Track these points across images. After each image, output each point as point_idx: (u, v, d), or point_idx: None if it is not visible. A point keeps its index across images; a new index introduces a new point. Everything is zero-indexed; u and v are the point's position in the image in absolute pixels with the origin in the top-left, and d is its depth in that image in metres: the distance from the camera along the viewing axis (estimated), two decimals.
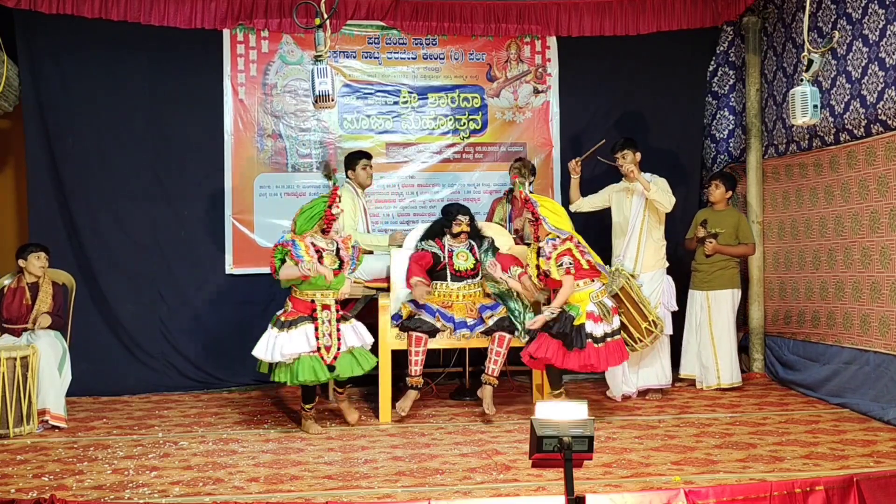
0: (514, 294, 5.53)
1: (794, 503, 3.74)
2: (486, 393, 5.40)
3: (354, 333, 5.09)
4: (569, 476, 2.82)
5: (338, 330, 5.01)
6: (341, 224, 5.18)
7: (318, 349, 4.93)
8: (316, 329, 4.94)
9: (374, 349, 5.27)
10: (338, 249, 5.11)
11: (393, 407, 5.33)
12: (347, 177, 6.22)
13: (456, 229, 5.54)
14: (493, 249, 5.60)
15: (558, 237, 5.17)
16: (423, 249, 5.56)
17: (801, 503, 3.75)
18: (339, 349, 4.99)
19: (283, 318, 4.97)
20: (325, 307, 5.03)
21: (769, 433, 4.89)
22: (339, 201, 5.07)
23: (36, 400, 5.10)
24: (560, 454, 2.82)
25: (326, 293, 5.04)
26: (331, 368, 4.94)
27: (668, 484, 3.85)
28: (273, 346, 4.89)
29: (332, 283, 5.00)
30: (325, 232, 5.06)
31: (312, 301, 5.01)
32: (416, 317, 5.33)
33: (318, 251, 5.00)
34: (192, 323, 6.60)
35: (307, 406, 5.13)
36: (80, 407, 5.81)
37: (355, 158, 6.24)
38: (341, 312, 5.13)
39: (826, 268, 6.05)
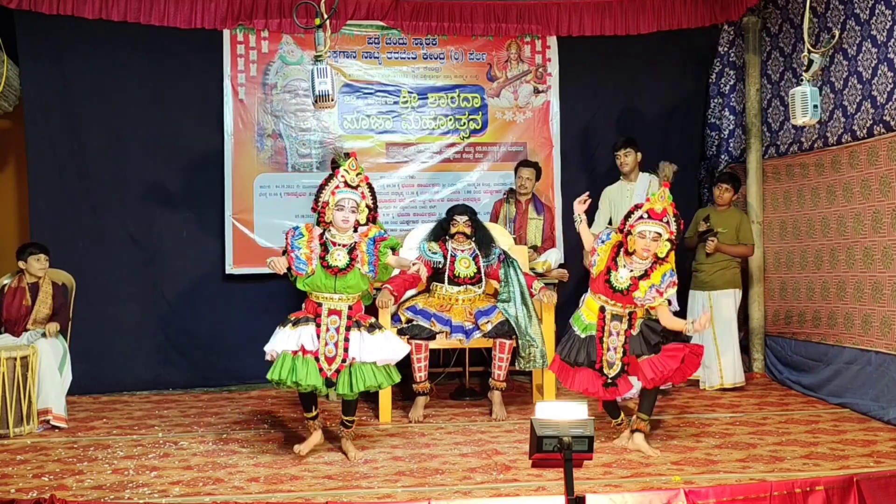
0: (529, 310, 5.42)
1: (794, 503, 3.74)
2: (495, 398, 5.41)
3: (365, 345, 4.40)
4: (569, 476, 2.82)
5: (346, 340, 4.39)
6: (351, 217, 4.41)
7: (318, 357, 4.35)
8: (318, 335, 4.37)
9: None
10: (353, 247, 4.44)
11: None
12: None
13: (452, 229, 5.53)
14: (509, 261, 5.51)
15: (674, 272, 4.56)
16: (425, 256, 5.52)
17: (801, 503, 3.75)
18: (343, 361, 4.38)
19: (291, 316, 4.48)
20: (334, 312, 4.40)
21: (769, 433, 4.89)
22: (343, 188, 4.40)
23: (36, 400, 5.10)
24: (560, 454, 2.82)
25: (332, 296, 4.40)
26: (329, 383, 4.37)
27: (668, 484, 3.85)
28: (273, 341, 4.41)
29: (339, 286, 4.37)
30: (326, 223, 4.45)
31: (319, 304, 4.43)
32: (413, 323, 5.33)
33: (323, 243, 4.41)
34: (193, 323, 6.60)
35: (307, 415, 4.55)
36: (80, 407, 5.81)
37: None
38: (358, 320, 4.46)
39: (828, 268, 6.04)
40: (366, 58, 6.91)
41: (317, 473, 4.16)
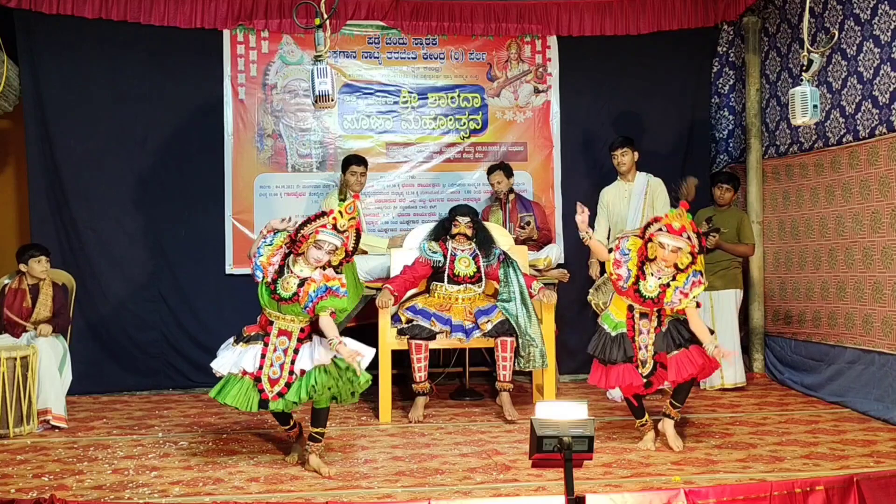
0: (529, 310, 5.41)
1: (794, 503, 3.74)
2: (504, 400, 5.41)
3: (319, 349, 4.18)
4: (569, 476, 2.82)
5: (292, 363, 4.15)
6: (325, 258, 4.14)
7: (259, 379, 4.13)
8: (263, 356, 4.16)
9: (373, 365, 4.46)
10: (304, 281, 4.13)
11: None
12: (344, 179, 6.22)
13: (454, 230, 5.54)
14: (508, 261, 5.49)
15: (700, 273, 4.48)
16: (425, 255, 5.54)
17: (801, 503, 3.75)
18: (288, 385, 4.13)
19: (246, 331, 4.32)
20: (284, 332, 4.19)
21: (769, 433, 4.89)
22: (328, 229, 4.10)
23: (36, 400, 5.10)
24: (560, 454, 2.82)
25: (283, 316, 4.17)
26: (264, 405, 4.13)
27: (668, 484, 3.85)
28: (223, 357, 4.24)
29: (284, 310, 4.16)
30: (298, 254, 4.16)
31: (271, 322, 4.21)
32: (414, 323, 5.33)
33: (283, 265, 4.16)
34: (193, 323, 6.60)
35: (285, 427, 4.47)
36: (80, 407, 5.81)
37: (345, 163, 6.24)
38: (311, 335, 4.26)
39: (827, 268, 6.05)
40: (366, 58, 6.91)
41: (317, 473, 4.15)
